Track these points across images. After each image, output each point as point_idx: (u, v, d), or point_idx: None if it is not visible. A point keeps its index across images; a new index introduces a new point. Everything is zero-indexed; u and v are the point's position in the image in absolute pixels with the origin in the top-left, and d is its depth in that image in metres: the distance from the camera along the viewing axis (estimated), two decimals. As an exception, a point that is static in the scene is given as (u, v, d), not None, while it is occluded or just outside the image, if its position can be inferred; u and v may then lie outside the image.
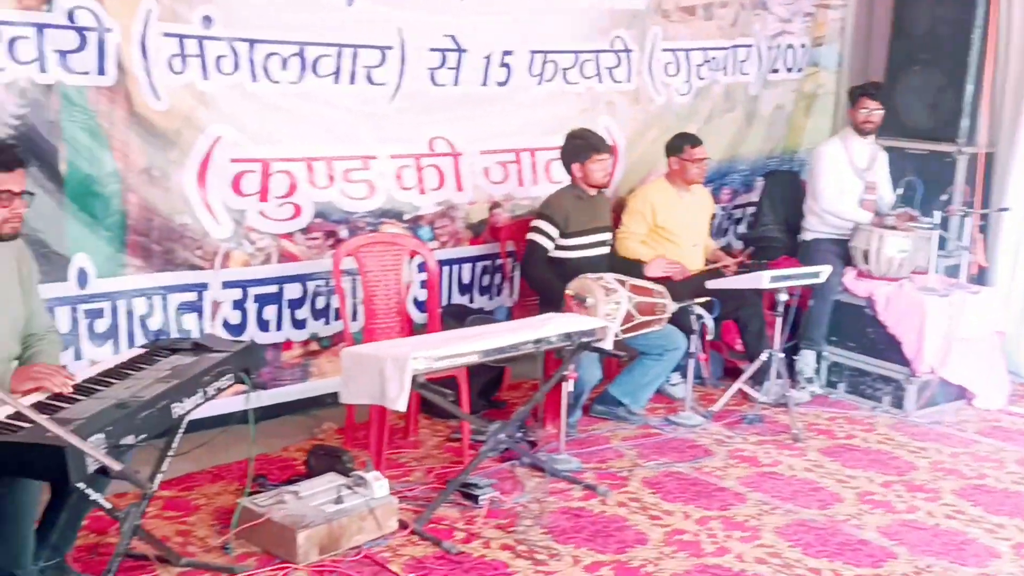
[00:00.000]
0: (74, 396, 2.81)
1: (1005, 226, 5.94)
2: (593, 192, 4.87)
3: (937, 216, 5.33)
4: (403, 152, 4.94)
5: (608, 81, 5.63)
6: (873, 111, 5.57)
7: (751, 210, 6.47)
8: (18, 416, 2.60)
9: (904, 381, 5.20)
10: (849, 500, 4.12)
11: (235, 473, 4.07)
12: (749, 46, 6.23)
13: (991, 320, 5.40)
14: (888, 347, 5.25)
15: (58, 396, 2.81)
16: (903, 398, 5.20)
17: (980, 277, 5.82)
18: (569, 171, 4.86)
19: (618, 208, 5.33)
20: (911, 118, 6.06)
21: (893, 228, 5.32)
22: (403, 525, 3.67)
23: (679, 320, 4.78)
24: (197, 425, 3.32)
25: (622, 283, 4.52)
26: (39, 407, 2.65)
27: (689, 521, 3.85)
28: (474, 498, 3.89)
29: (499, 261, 5.28)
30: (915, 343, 5.14)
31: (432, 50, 4.92)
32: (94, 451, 2.16)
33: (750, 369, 5.11)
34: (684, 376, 5.04)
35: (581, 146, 4.82)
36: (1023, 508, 4.11)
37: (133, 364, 3.13)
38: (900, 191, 5.47)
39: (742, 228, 6.50)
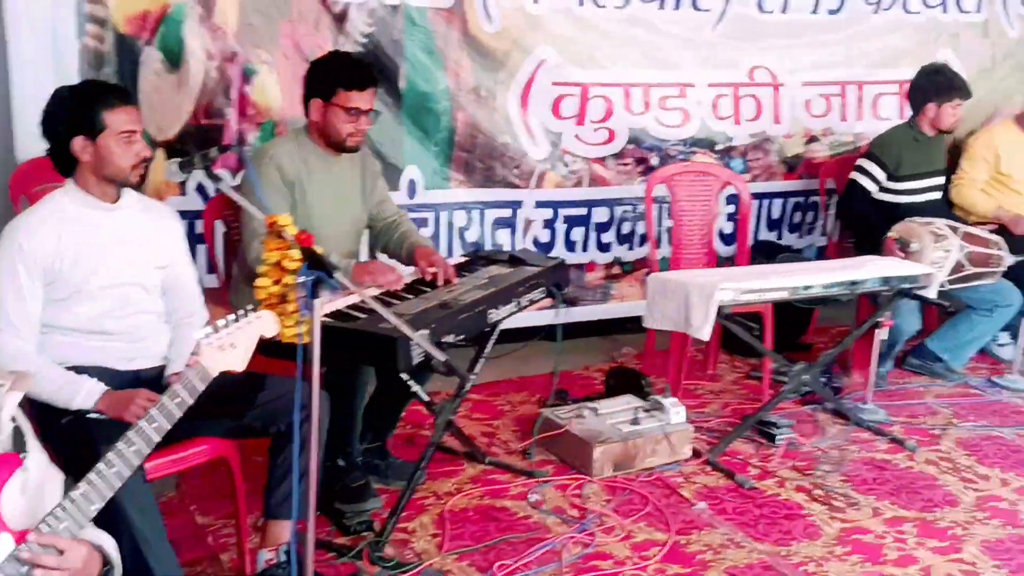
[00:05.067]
0: (403, 294, 3.04)
1: None
2: (932, 133, 4.50)
3: None
4: (722, 81, 4.84)
5: (953, 10, 5.17)
6: None
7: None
8: (356, 307, 2.86)
9: None
10: None
11: (538, 385, 4.25)
12: None
13: None
14: None
15: (389, 293, 3.05)
16: None
17: None
18: (919, 108, 4.45)
19: (953, 150, 4.91)
20: None
21: None
22: (696, 454, 3.67)
23: (1016, 275, 4.36)
24: (506, 336, 3.48)
25: (954, 230, 4.18)
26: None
27: (1007, 489, 3.56)
28: (771, 437, 3.81)
29: (812, 198, 5.06)
30: None
31: (762, -25, 4.76)
32: (424, 341, 2.32)
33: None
34: (1014, 337, 4.62)
35: (943, 85, 4.39)
36: None
37: (455, 270, 3.33)
38: None
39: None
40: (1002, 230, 4.54)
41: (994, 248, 4.26)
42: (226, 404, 2.53)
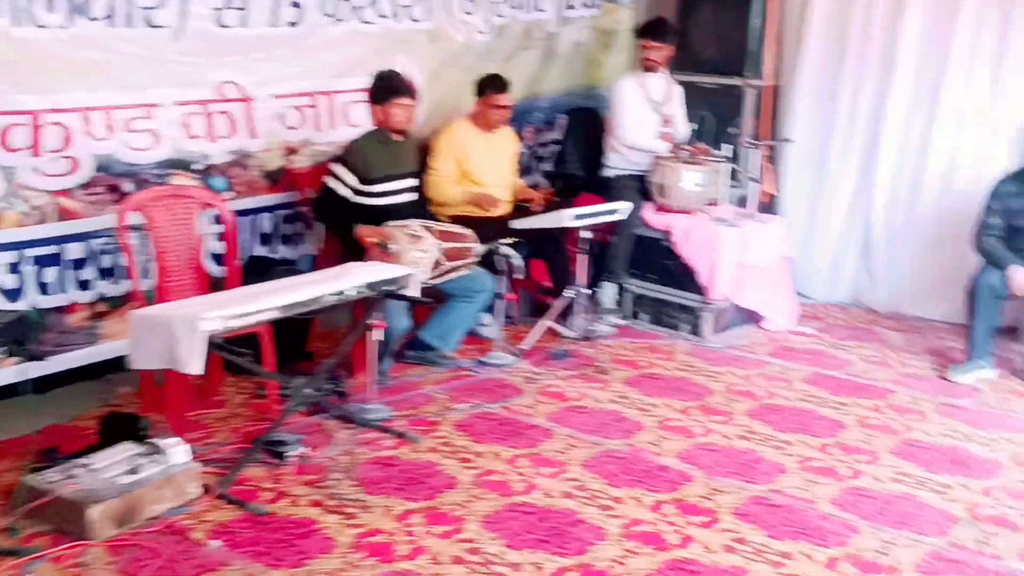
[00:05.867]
0: None
1: (789, 157, 6.27)
2: (398, 137, 4.77)
3: (727, 149, 5.56)
4: (189, 99, 4.68)
5: (405, 20, 5.51)
6: (652, 51, 5.73)
7: (555, 148, 6.54)
8: None
9: (700, 309, 5.45)
10: (650, 428, 4.29)
11: (22, 448, 3.82)
12: (546, -17, 6.26)
13: (779, 247, 5.71)
14: (686, 277, 5.48)
15: None
16: (700, 325, 5.45)
17: (769, 206, 6.13)
18: (373, 112, 4.75)
19: (425, 151, 5.26)
20: (702, 53, 6.27)
21: (688, 162, 5.51)
22: (207, 490, 3.56)
23: (487, 261, 4.80)
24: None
25: (428, 229, 4.48)
26: None
27: (499, 461, 3.91)
28: (281, 455, 3.81)
29: (299, 209, 5.14)
30: (709, 272, 5.38)
31: (215, -11, 4.68)
32: None
33: (556, 306, 5.21)
34: (494, 316, 5.09)
35: (382, 88, 4.73)
36: (808, 424, 4.40)
37: None
38: (695, 125, 5.65)
39: (547, 166, 6.56)
40: (472, 221, 4.95)
41: (466, 241, 4.64)
42: None
